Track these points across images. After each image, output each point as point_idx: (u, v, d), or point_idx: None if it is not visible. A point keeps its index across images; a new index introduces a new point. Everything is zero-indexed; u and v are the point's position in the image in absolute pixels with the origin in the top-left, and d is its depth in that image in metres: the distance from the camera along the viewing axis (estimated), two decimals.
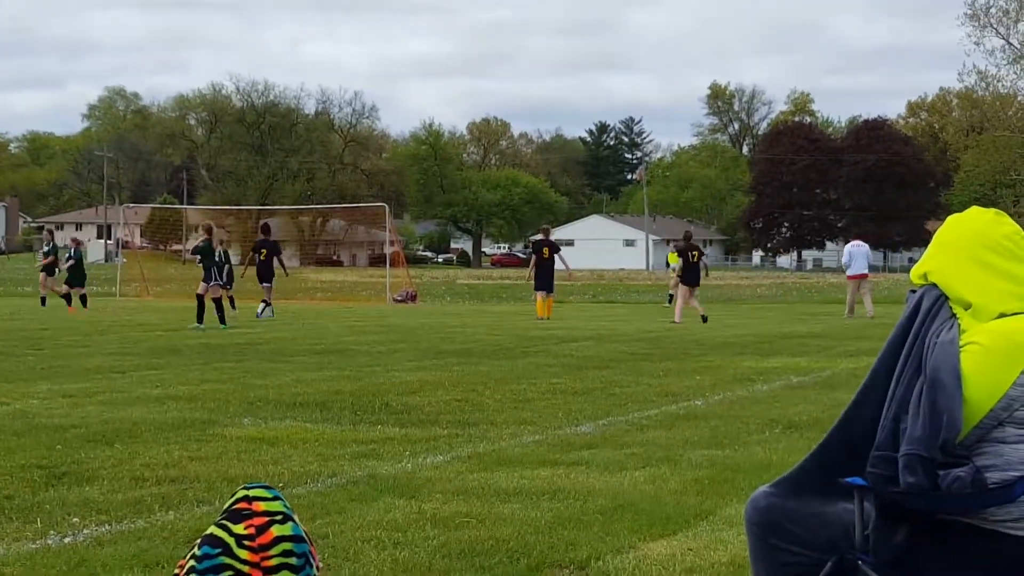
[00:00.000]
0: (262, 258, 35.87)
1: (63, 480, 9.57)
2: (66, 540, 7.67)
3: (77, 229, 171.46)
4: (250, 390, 15.72)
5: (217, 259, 30.00)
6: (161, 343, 23.94)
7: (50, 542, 7.62)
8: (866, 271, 37.67)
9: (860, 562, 4.41)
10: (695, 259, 34.48)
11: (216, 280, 29.73)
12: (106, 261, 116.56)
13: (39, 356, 20.84)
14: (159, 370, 18.45)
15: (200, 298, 29.26)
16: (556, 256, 35.97)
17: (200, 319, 28.83)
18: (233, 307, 35.49)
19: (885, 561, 4.41)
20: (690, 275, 34.37)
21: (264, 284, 35.68)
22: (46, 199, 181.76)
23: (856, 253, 37.60)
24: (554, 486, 9.40)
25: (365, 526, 8.05)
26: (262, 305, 35.30)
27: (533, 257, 36.88)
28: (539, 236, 38.01)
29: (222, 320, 29.34)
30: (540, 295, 35.56)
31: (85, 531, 7.92)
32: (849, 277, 37.73)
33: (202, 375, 17.70)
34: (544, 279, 35.65)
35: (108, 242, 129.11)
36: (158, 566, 7.01)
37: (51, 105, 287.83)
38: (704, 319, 33.03)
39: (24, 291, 53.62)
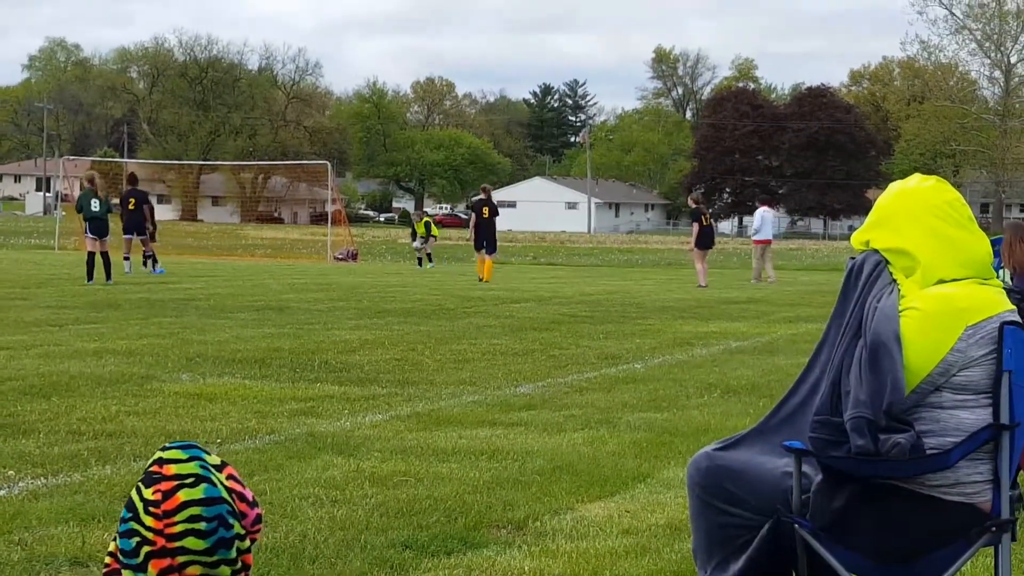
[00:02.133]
0: (131, 208, 32.70)
1: None
2: (1, 493, 7.61)
3: (16, 181, 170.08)
4: (189, 346, 15.64)
5: (95, 210, 28.63)
6: (100, 297, 23.77)
7: None
8: (771, 237, 38.30)
9: (797, 526, 4.44)
10: (707, 222, 34.68)
11: (87, 234, 28.74)
12: (45, 214, 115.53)
13: None
14: (97, 324, 18.31)
15: (91, 255, 28.45)
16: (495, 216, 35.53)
17: (107, 275, 28.03)
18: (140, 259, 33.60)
19: (822, 526, 4.45)
20: (705, 238, 34.55)
21: (127, 236, 32.91)
22: None
23: (768, 218, 38.04)
24: (493, 446, 9.41)
25: (303, 483, 8.03)
26: (148, 262, 33.19)
27: (473, 217, 36.26)
28: (479, 196, 37.23)
29: (89, 276, 28.14)
30: (481, 255, 34.88)
31: (20, 484, 7.87)
32: (757, 241, 37.85)
33: (141, 330, 17.58)
34: (486, 239, 35.02)
35: (47, 195, 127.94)
36: (94, 520, 6.97)
37: None
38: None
39: None
